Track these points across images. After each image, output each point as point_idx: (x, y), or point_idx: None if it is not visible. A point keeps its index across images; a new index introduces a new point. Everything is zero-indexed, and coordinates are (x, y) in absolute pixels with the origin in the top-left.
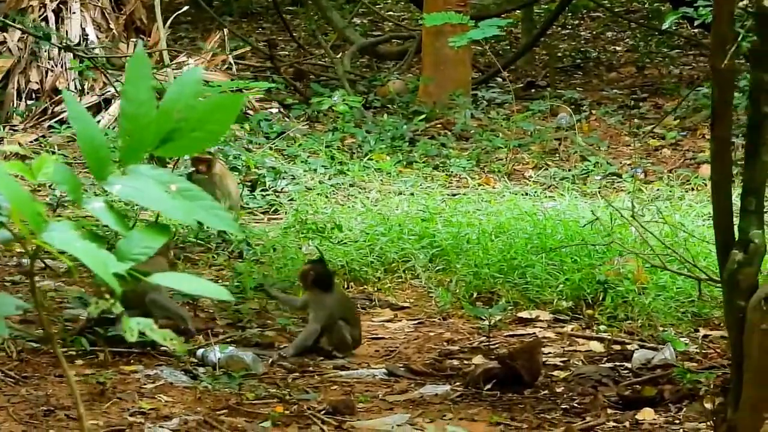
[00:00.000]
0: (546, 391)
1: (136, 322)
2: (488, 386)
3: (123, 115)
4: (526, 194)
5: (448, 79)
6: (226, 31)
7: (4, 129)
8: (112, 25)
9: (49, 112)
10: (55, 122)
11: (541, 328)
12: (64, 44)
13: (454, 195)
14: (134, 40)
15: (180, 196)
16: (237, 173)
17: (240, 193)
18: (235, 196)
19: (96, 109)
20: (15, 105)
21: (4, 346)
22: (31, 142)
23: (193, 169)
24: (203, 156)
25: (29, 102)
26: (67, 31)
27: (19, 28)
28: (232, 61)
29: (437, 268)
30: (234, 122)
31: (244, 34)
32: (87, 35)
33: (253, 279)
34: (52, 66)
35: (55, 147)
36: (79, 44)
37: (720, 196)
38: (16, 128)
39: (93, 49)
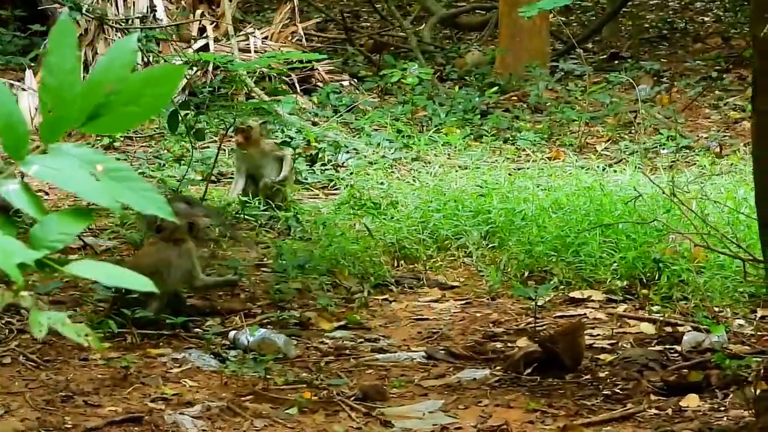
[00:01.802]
0: (588, 376)
1: (47, 317)
2: (528, 371)
3: (44, 88)
4: (590, 168)
5: (525, 50)
6: (296, 1)
7: None
8: None
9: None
10: None
11: (592, 308)
12: (97, 14)
13: (520, 169)
14: (201, 11)
15: (107, 177)
16: (290, 147)
17: (292, 168)
18: (285, 170)
19: None
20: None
21: (28, 328)
22: None
23: (241, 137)
24: (244, 123)
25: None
26: (134, 2)
27: None
28: (302, 33)
29: (491, 245)
30: (172, 94)
31: (327, 5)
32: (155, 6)
33: (297, 258)
34: (120, 38)
35: None
36: (146, 16)
37: (763, 173)
38: None
39: (160, 20)
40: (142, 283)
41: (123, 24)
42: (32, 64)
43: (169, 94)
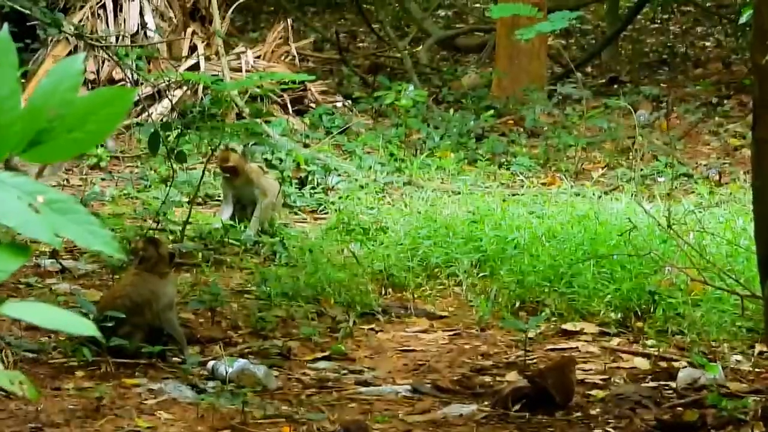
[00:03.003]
0: (579, 413)
1: None
2: (517, 407)
3: None
4: (585, 196)
5: (523, 73)
6: (290, 21)
7: None
8: (172, 14)
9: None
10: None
11: (585, 341)
12: (76, 32)
13: (514, 195)
14: (192, 29)
15: (49, 209)
16: (276, 170)
17: (279, 191)
18: (274, 194)
19: (150, 100)
20: None
21: (0, 355)
22: None
23: (224, 173)
24: (226, 158)
25: (85, 92)
26: (125, 19)
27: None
28: (295, 53)
29: (481, 274)
30: (120, 120)
31: (325, 25)
32: (146, 23)
33: (281, 285)
34: (109, 56)
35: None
36: (137, 33)
37: (761, 204)
38: None
39: (151, 38)
40: (81, 327)
41: (103, 41)
42: (23, 81)
43: (117, 120)
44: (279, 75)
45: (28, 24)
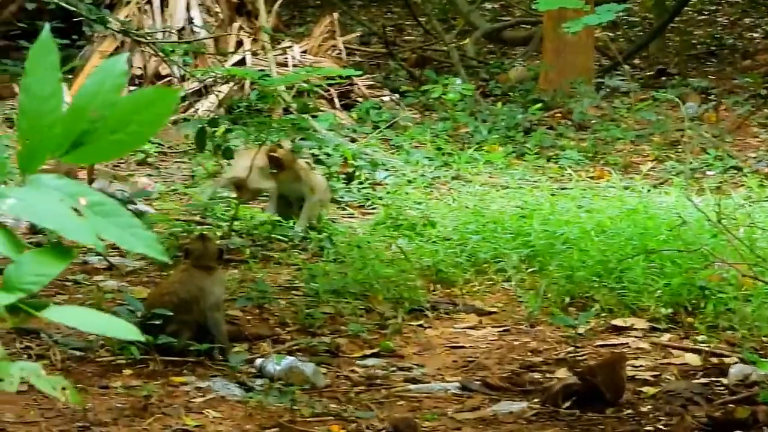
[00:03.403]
0: (630, 410)
1: (19, 369)
2: (567, 404)
3: (22, 113)
4: (634, 189)
5: (570, 66)
6: (336, 15)
7: None
8: (218, 9)
9: None
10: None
11: (635, 337)
12: (122, 29)
13: (563, 189)
14: (239, 24)
15: (91, 212)
16: (324, 165)
17: (326, 186)
18: (322, 190)
19: (197, 95)
20: None
21: (49, 353)
22: None
23: (270, 165)
24: (273, 149)
25: (132, 88)
26: (172, 15)
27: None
28: (342, 47)
29: (530, 269)
30: (165, 120)
31: (372, 19)
32: (192, 19)
33: (329, 281)
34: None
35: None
36: (183, 28)
37: None
38: None
39: (198, 33)
40: (126, 332)
41: (149, 38)
42: (70, 77)
43: (162, 121)
44: (325, 70)
45: (74, 20)
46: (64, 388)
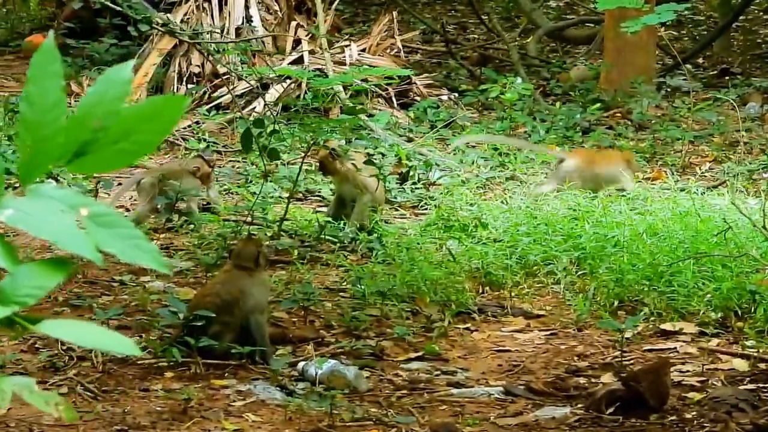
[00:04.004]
0: (674, 417)
1: (11, 384)
2: (610, 410)
3: (23, 122)
4: (688, 191)
5: (631, 65)
6: (395, 13)
7: None
8: (278, 6)
9: (206, 96)
10: (212, 108)
11: (683, 342)
12: (168, 28)
13: (618, 190)
14: (297, 22)
15: (92, 223)
16: (374, 165)
17: (377, 187)
18: (373, 190)
19: (254, 95)
20: (175, 89)
21: (90, 355)
22: (185, 128)
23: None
24: (317, 152)
25: (189, 86)
26: (230, 12)
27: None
28: (400, 46)
29: (581, 272)
30: (171, 129)
31: (435, 17)
32: (251, 17)
33: (376, 283)
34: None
35: (207, 134)
36: (241, 26)
37: None
38: None
39: (256, 31)
40: (123, 346)
41: (198, 37)
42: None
43: (168, 130)
44: (376, 70)
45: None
46: (57, 404)
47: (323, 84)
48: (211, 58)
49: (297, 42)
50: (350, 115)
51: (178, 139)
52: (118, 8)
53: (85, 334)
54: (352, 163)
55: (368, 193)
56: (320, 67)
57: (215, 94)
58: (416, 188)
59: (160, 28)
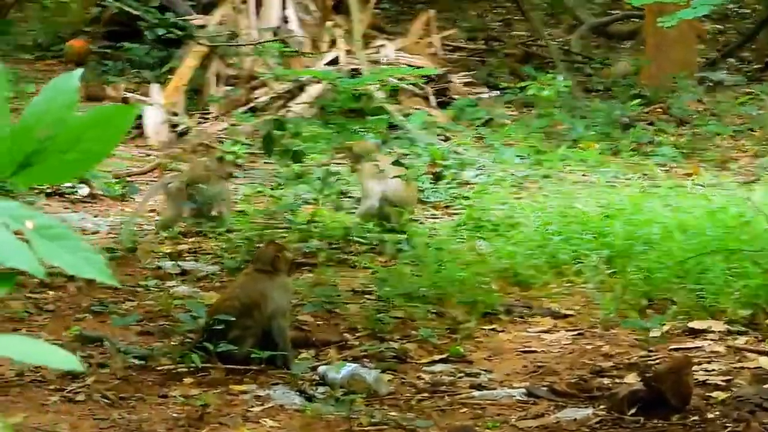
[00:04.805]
0: (696, 417)
1: None
2: (632, 411)
3: None
4: (723, 187)
5: (671, 60)
6: (433, 12)
7: (194, 117)
8: (314, 6)
9: (244, 99)
10: (248, 110)
11: (711, 340)
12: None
13: (654, 187)
14: (332, 22)
15: (38, 236)
16: (403, 165)
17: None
18: (372, 195)
19: (290, 95)
20: (213, 91)
21: (110, 362)
22: (221, 130)
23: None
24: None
25: (226, 88)
26: (267, 13)
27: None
28: (438, 44)
29: (610, 271)
30: (120, 138)
31: (480, 14)
32: (288, 18)
33: (402, 284)
34: (252, 50)
35: (242, 136)
36: (278, 27)
37: None
38: (207, 116)
39: (293, 32)
40: (64, 361)
41: (209, 39)
42: (169, 77)
43: (116, 139)
44: (401, 69)
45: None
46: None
47: (350, 84)
48: (229, 61)
49: (334, 42)
50: (373, 116)
51: (213, 142)
52: (136, 12)
53: (27, 349)
54: (375, 164)
55: (368, 197)
56: (356, 67)
57: (252, 96)
58: (450, 188)
59: (178, 31)
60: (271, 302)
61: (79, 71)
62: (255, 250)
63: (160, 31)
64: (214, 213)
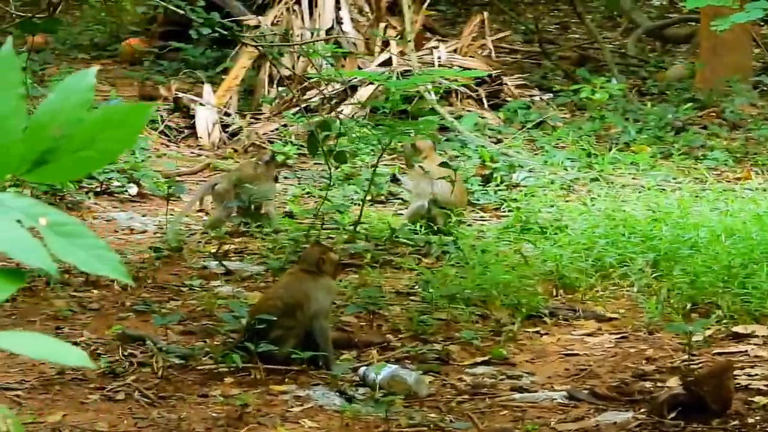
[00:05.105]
0: (736, 422)
1: None
2: (672, 415)
3: None
4: None
5: (726, 64)
6: (487, 14)
7: (246, 117)
8: (368, 8)
9: (295, 99)
10: (300, 111)
11: (754, 344)
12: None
13: (704, 191)
14: (385, 24)
15: (52, 233)
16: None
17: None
18: (424, 194)
19: (342, 96)
20: (266, 92)
21: (151, 361)
22: (273, 131)
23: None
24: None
25: (279, 89)
26: (320, 14)
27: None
28: (491, 46)
29: (656, 274)
30: (136, 137)
31: (539, 16)
32: (341, 18)
33: (447, 286)
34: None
35: (293, 137)
36: (332, 28)
37: None
38: (259, 117)
39: (347, 33)
40: (74, 358)
41: (256, 40)
42: (223, 77)
43: (133, 137)
44: (452, 72)
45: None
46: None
47: (398, 86)
48: (275, 62)
49: (387, 43)
50: (418, 117)
51: (264, 143)
52: (181, 11)
53: (37, 346)
54: (420, 166)
55: (415, 197)
56: (408, 68)
57: (305, 96)
58: (499, 190)
59: (223, 31)
60: (314, 303)
61: (94, 69)
62: (301, 251)
63: (205, 31)
64: (261, 213)
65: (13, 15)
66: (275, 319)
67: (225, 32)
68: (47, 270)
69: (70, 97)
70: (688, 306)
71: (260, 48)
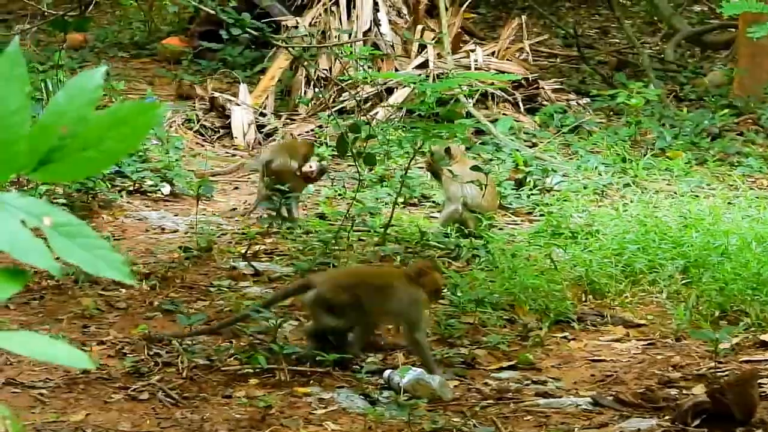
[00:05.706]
0: (761, 430)
1: None
2: (696, 423)
3: None
4: None
5: (765, 70)
6: (524, 17)
7: (282, 118)
8: (405, 11)
9: (331, 100)
10: (335, 112)
11: None
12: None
13: (737, 197)
14: (422, 26)
15: (55, 233)
16: (483, 171)
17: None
18: (455, 198)
19: (377, 98)
20: (302, 93)
21: (176, 362)
22: (307, 132)
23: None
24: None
25: (316, 90)
26: (358, 16)
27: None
28: (528, 50)
29: (686, 281)
30: (144, 136)
31: (579, 21)
32: (379, 20)
33: (475, 290)
34: (343, 52)
35: (328, 138)
36: (369, 30)
37: None
38: (294, 118)
39: (384, 35)
40: (76, 360)
41: (288, 41)
42: (260, 77)
43: (139, 138)
44: (486, 74)
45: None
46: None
47: (434, 88)
48: (303, 63)
49: (424, 46)
50: (450, 120)
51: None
52: (211, 11)
53: (40, 347)
54: (448, 169)
55: (451, 200)
56: (443, 70)
57: (341, 98)
58: (532, 194)
59: (254, 32)
60: (397, 303)
61: (103, 68)
62: (330, 253)
63: (236, 32)
64: (293, 214)
65: (45, 13)
66: None
67: (256, 33)
68: (51, 271)
69: (78, 96)
70: (717, 313)
71: (290, 49)
